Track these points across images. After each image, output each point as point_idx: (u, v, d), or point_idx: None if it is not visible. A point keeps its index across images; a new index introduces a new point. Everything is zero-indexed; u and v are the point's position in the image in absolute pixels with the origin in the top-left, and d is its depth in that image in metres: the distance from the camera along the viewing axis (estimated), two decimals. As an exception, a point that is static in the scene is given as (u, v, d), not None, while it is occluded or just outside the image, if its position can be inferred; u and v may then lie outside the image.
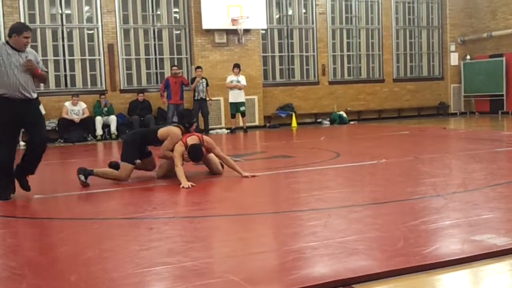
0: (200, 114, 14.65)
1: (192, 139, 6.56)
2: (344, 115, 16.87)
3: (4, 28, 13.69)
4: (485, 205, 4.53)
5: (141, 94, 14.66)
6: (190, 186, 6.02)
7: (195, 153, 6.42)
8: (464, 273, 3.00)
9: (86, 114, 13.95)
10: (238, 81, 14.68)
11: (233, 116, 14.89)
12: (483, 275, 3.01)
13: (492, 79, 17.55)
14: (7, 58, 5.56)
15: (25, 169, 6.03)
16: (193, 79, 14.55)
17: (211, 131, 14.91)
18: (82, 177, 6.37)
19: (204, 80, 14.55)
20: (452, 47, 18.74)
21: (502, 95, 17.32)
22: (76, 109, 13.90)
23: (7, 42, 5.70)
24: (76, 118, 13.78)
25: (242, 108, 14.79)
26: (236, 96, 14.67)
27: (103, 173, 6.67)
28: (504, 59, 17.25)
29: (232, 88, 14.62)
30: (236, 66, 14.73)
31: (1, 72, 5.53)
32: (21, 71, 5.59)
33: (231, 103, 14.71)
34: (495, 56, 17.67)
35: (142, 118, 14.46)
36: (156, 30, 15.46)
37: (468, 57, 18.55)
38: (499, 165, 7.06)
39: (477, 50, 18.49)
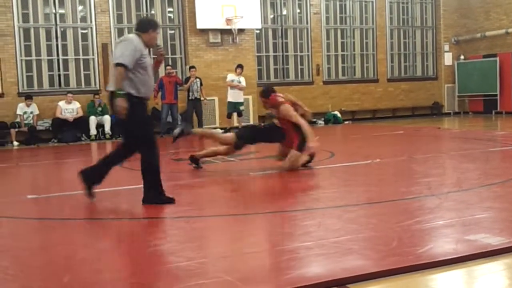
0: (194, 114, 14.66)
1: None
2: (339, 115, 16.89)
3: (-2, 28, 13.65)
4: (479, 205, 4.54)
5: None
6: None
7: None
8: (458, 273, 3.00)
9: (80, 114, 13.90)
10: (239, 82, 14.66)
11: (229, 115, 14.86)
12: (477, 274, 3.01)
13: (486, 79, 17.61)
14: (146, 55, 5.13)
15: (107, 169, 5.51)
16: (187, 79, 14.52)
17: (205, 131, 14.87)
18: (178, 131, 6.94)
19: (198, 79, 14.53)
20: (446, 47, 18.80)
21: (496, 95, 17.38)
22: (70, 108, 13.84)
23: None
24: (70, 117, 13.73)
25: (241, 108, 14.76)
26: (236, 96, 14.63)
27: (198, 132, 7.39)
28: (497, 59, 17.31)
29: (233, 87, 14.58)
30: (240, 66, 14.66)
31: (144, 70, 5.06)
32: (152, 69, 5.24)
33: (230, 102, 14.65)
34: (489, 56, 17.73)
35: None
36: (150, 29, 15.40)
37: (462, 57, 18.60)
38: (493, 165, 7.08)
39: (471, 50, 18.55)
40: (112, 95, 4.98)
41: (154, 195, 5.07)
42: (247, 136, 7.00)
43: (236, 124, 14.98)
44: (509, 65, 17.04)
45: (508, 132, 11.99)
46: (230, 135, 6.91)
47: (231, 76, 14.68)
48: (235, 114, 14.91)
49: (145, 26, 5.18)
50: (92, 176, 5.33)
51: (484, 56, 17.97)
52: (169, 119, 14.54)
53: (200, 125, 14.75)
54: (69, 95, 13.81)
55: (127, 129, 5.22)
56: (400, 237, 3.59)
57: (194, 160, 7.42)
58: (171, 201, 5.08)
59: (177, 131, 6.94)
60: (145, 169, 5.13)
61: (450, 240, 3.52)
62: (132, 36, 5.12)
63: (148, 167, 5.11)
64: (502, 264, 3.10)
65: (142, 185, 5.15)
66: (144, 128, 5.18)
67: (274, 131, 7.00)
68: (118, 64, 4.88)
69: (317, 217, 4.33)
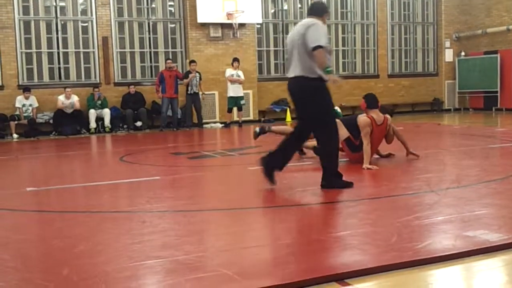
0: (193, 108, 14.67)
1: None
2: (339, 110, 16.83)
3: (-2, 20, 13.65)
4: (478, 201, 4.54)
5: (132, 87, 14.58)
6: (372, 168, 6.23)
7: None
8: (456, 269, 3.01)
9: (78, 107, 13.86)
10: (238, 75, 14.66)
11: (230, 110, 14.86)
12: (475, 270, 3.01)
13: (486, 75, 17.59)
14: None
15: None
16: (187, 73, 14.50)
17: (205, 125, 14.89)
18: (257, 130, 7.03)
19: (197, 74, 14.52)
20: (447, 44, 18.77)
21: (496, 92, 17.36)
22: (68, 102, 13.82)
23: None
24: (68, 109, 13.71)
25: (242, 102, 14.77)
26: (237, 90, 14.65)
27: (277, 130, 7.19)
28: (498, 55, 17.28)
29: (233, 82, 14.58)
30: (236, 60, 14.69)
31: (329, 55, 5.21)
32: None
33: (231, 97, 14.66)
34: (490, 53, 17.70)
35: (135, 112, 14.43)
36: (151, 23, 15.39)
37: (463, 53, 18.58)
38: (493, 162, 7.09)
39: (472, 47, 18.53)
40: (300, 80, 5.12)
41: (334, 180, 5.21)
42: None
43: (236, 118, 14.97)
44: (510, 62, 17.02)
45: (508, 128, 11.99)
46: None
47: (229, 71, 14.68)
48: (235, 109, 14.91)
49: (321, 11, 5.35)
50: (271, 162, 5.42)
51: (485, 53, 17.94)
52: (169, 113, 14.54)
53: (199, 119, 14.75)
54: (68, 90, 13.79)
55: (313, 112, 5.21)
56: (399, 232, 3.59)
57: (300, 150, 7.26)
58: (350, 185, 5.20)
59: (258, 129, 7.39)
60: (324, 154, 5.28)
61: (449, 236, 3.52)
62: (317, 21, 5.18)
63: (328, 152, 5.25)
64: (501, 261, 3.11)
65: (138, 180, 5.15)
66: (328, 113, 5.28)
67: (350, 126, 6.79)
68: (317, 47, 4.94)
69: (316, 212, 4.33)
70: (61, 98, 13.78)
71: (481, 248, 3.23)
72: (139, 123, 14.52)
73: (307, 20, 5.22)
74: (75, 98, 13.90)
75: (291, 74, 5.24)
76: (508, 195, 4.63)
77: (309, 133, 5.44)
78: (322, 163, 5.29)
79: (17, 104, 13.50)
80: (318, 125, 5.23)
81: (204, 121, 15.02)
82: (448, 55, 18.77)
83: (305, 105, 5.20)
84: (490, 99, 17.68)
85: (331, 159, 5.23)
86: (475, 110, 18.27)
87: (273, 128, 6.91)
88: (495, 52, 17.49)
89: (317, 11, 5.33)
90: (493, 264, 3.06)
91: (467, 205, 4.44)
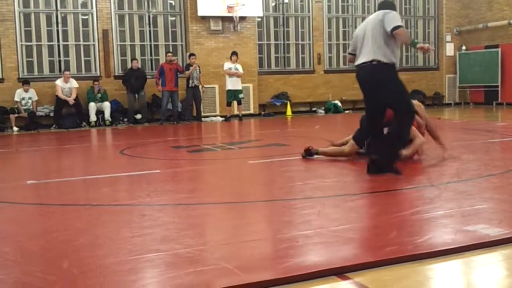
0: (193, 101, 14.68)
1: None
2: (339, 104, 16.86)
3: (-2, 12, 13.64)
4: (479, 196, 4.54)
5: (135, 61, 14.51)
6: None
7: None
8: (456, 263, 3.01)
9: (74, 95, 13.81)
10: (237, 69, 14.64)
11: (229, 104, 14.85)
12: (475, 265, 3.02)
13: (487, 70, 17.56)
14: None
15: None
16: (188, 66, 14.49)
17: (205, 119, 14.88)
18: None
19: (197, 67, 14.49)
20: (448, 38, 18.73)
21: (497, 86, 17.34)
22: (67, 87, 13.76)
23: None
24: (70, 99, 13.67)
25: (240, 96, 14.76)
26: (235, 84, 14.64)
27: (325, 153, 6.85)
28: (499, 50, 17.24)
29: (231, 75, 14.57)
30: (234, 53, 14.68)
31: (398, 47, 5.57)
32: None
33: (229, 90, 14.65)
34: (491, 47, 17.67)
35: (136, 96, 14.32)
36: (151, 16, 15.36)
37: (464, 47, 18.54)
38: (493, 156, 7.08)
39: (473, 41, 18.49)
40: (380, 66, 5.35)
41: (392, 165, 5.33)
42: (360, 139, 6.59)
43: (236, 112, 14.97)
44: (511, 56, 16.99)
45: (509, 123, 11.98)
46: (351, 144, 6.61)
47: (227, 64, 14.67)
48: (235, 102, 14.90)
49: (392, 6, 5.67)
50: (389, 156, 5.45)
51: (486, 47, 17.91)
52: (169, 106, 14.53)
53: (198, 112, 14.75)
54: (67, 73, 13.76)
55: (393, 97, 5.38)
56: (399, 226, 3.60)
57: (309, 153, 6.88)
58: (401, 173, 5.34)
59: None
60: (397, 136, 5.38)
61: (449, 230, 3.52)
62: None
63: (401, 135, 5.40)
64: (500, 255, 3.11)
65: (139, 173, 5.14)
66: (408, 99, 5.46)
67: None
68: (398, 26, 5.27)
69: (316, 205, 4.33)
70: (59, 82, 13.72)
71: (481, 243, 3.23)
72: (138, 116, 14.50)
73: (386, 10, 5.45)
74: (74, 84, 13.83)
75: (364, 59, 5.42)
76: (508, 190, 4.63)
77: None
78: (392, 145, 5.42)
79: (16, 98, 13.48)
80: (399, 110, 5.35)
81: (204, 114, 15.01)
82: (449, 49, 18.73)
83: (386, 89, 5.33)
84: (490, 94, 17.65)
85: (401, 144, 5.46)
86: (476, 104, 18.25)
87: (320, 150, 6.82)
88: (496, 46, 17.45)
89: (389, 5, 5.63)
90: (493, 259, 3.06)
91: (467, 199, 4.44)
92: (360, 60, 5.50)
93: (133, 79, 14.27)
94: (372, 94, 5.46)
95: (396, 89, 5.38)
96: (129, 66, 14.92)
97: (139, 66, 14.68)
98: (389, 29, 5.28)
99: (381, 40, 5.35)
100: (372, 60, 5.36)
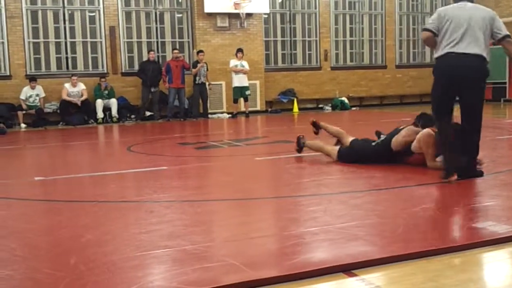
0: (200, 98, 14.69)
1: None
2: (346, 101, 16.83)
3: (5, 10, 13.69)
4: (486, 193, 4.52)
5: (152, 52, 14.50)
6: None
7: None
8: (464, 260, 3.00)
9: (85, 96, 13.88)
10: (243, 66, 14.63)
11: (235, 101, 14.86)
12: (483, 262, 3.01)
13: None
14: None
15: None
16: (195, 63, 14.49)
17: (212, 115, 14.89)
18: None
19: (204, 64, 14.50)
20: (455, 34, 18.60)
21: (505, 83, 17.25)
22: (75, 90, 13.84)
23: None
24: (77, 100, 13.72)
25: (247, 92, 14.76)
26: (241, 81, 14.64)
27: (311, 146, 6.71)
28: (507, 46, 17.12)
29: (237, 72, 14.57)
30: (240, 50, 14.67)
31: None
32: None
33: (236, 87, 14.66)
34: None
35: (152, 90, 14.28)
36: (158, 13, 15.37)
37: (471, 44, 18.42)
38: (501, 153, 7.05)
39: (481, 37, 18.36)
40: (481, 60, 5.08)
41: (474, 168, 5.15)
42: (349, 159, 6.14)
43: (243, 109, 14.97)
44: (519, 52, 16.88)
45: (517, 120, 11.91)
46: (334, 152, 6.29)
47: (233, 62, 14.67)
48: (241, 99, 14.90)
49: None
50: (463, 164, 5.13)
51: (494, 44, 17.76)
52: (176, 103, 14.54)
53: (205, 109, 14.76)
54: (74, 77, 13.83)
55: (480, 97, 5.24)
56: (406, 223, 3.59)
57: (300, 145, 6.87)
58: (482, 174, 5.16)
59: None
60: (479, 139, 5.20)
61: (457, 227, 3.51)
62: None
63: (480, 137, 5.22)
64: (508, 253, 3.10)
65: (145, 170, 5.13)
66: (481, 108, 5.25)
67: (382, 155, 6.01)
68: (508, 36, 5.23)
69: (323, 202, 4.32)
70: (67, 86, 13.80)
71: (489, 240, 3.22)
72: (148, 113, 14.52)
73: (486, 9, 5.25)
74: (82, 87, 13.92)
75: (468, 49, 5.02)
76: (516, 187, 4.61)
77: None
78: (473, 149, 5.18)
79: (21, 96, 13.52)
80: (479, 112, 5.20)
81: (210, 111, 15.01)
82: (456, 45, 18.62)
83: (479, 87, 5.13)
84: (498, 90, 17.55)
85: (477, 150, 5.20)
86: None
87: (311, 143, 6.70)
88: (504, 42, 17.32)
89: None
90: (501, 256, 3.05)
91: (475, 196, 4.43)
92: (459, 48, 5.00)
93: (150, 71, 14.22)
94: (461, 87, 5.12)
95: (481, 94, 5.19)
96: (135, 64, 14.95)
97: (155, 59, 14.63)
98: (501, 35, 5.14)
99: (487, 40, 5.12)
100: (479, 55, 5.01)
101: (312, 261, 2.95)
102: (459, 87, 5.09)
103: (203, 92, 14.63)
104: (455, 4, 5.18)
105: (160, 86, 14.63)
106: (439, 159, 5.48)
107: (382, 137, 6.23)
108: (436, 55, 5.24)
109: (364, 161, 5.96)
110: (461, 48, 4.99)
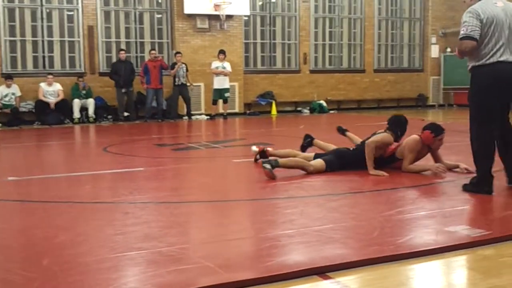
0: (182, 100, 14.61)
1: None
2: (324, 104, 16.90)
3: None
4: (460, 197, 4.57)
5: (123, 52, 14.33)
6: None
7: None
8: (436, 263, 3.03)
9: (61, 96, 13.70)
10: (224, 67, 14.60)
11: (214, 102, 14.82)
12: (455, 265, 3.04)
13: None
14: None
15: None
16: (173, 64, 14.43)
17: (185, 117, 14.79)
18: (268, 166, 5.55)
19: (183, 65, 14.45)
20: (433, 40, 18.85)
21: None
22: (51, 90, 13.65)
23: None
24: (52, 100, 13.52)
25: (226, 94, 14.73)
26: (222, 82, 14.60)
27: (287, 164, 5.86)
28: (483, 52, 17.38)
29: (218, 74, 14.53)
30: (222, 52, 14.64)
31: None
32: None
33: (216, 89, 14.61)
34: (475, 50, 17.79)
35: (124, 91, 14.14)
36: (137, 13, 15.27)
37: (449, 49, 18.68)
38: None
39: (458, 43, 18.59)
40: None
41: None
42: (336, 167, 5.90)
43: (221, 111, 14.94)
44: (495, 59, 17.13)
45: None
46: (320, 164, 5.85)
47: (215, 63, 14.64)
48: (220, 101, 14.87)
49: None
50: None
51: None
52: (154, 104, 14.45)
53: (188, 111, 14.70)
54: (49, 77, 13.63)
55: None
56: (382, 227, 3.61)
57: (264, 155, 6.44)
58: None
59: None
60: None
61: (431, 231, 3.55)
62: None
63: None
64: (480, 256, 3.14)
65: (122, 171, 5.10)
66: None
67: (361, 159, 5.88)
68: None
69: (299, 205, 4.34)
70: (43, 85, 13.59)
71: (462, 243, 3.26)
72: (126, 114, 14.40)
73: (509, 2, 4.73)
74: (58, 87, 13.72)
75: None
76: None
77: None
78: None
79: None
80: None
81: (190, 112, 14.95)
82: (434, 51, 18.87)
83: None
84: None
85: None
86: (459, 106, 18.37)
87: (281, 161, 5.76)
88: (480, 49, 17.58)
89: None
90: (474, 259, 3.09)
91: (449, 200, 4.48)
92: (507, 55, 4.55)
93: (122, 70, 14.07)
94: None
95: None
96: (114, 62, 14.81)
97: (126, 57, 14.45)
98: None
99: None
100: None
101: (287, 263, 2.95)
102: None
103: (183, 93, 14.56)
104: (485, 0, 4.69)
105: (138, 86, 14.51)
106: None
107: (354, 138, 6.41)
108: (478, 63, 4.65)
109: (346, 166, 5.94)
110: (508, 54, 4.57)
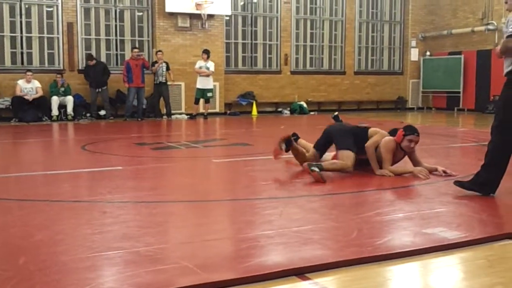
0: (162, 98, 14.56)
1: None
2: (305, 105, 16.96)
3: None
4: (438, 199, 4.62)
5: (91, 61, 14.17)
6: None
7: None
8: (414, 265, 3.05)
9: (40, 94, 13.54)
10: (207, 67, 14.56)
11: (197, 101, 14.76)
12: (433, 267, 3.07)
13: (450, 76, 17.92)
14: None
15: None
16: (154, 63, 14.36)
17: (166, 116, 14.73)
18: (317, 169, 5.41)
19: (164, 64, 14.39)
20: (413, 43, 19.04)
21: (459, 92, 17.71)
22: (29, 87, 13.47)
23: None
24: (29, 96, 13.34)
25: (209, 94, 14.69)
26: (205, 82, 14.55)
27: (329, 168, 5.75)
28: (462, 56, 17.61)
29: (201, 74, 14.49)
30: (205, 52, 14.59)
31: None
32: None
33: (199, 89, 14.56)
34: (454, 54, 18.03)
35: (98, 90, 14.05)
36: (118, 10, 15.16)
37: (428, 53, 18.87)
38: (453, 161, 7.22)
39: (437, 47, 18.83)
40: None
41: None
42: (349, 143, 5.98)
43: (202, 110, 14.90)
44: (473, 63, 17.38)
45: (469, 128, 12.24)
46: (352, 157, 5.80)
47: (199, 63, 14.59)
48: (202, 101, 14.83)
49: None
50: None
51: (450, 53, 18.27)
52: (135, 103, 14.36)
53: (168, 109, 14.63)
54: (28, 73, 13.46)
55: None
56: (360, 228, 3.63)
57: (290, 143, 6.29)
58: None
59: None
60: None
61: (408, 232, 3.58)
62: None
63: None
64: (458, 258, 3.17)
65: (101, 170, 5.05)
66: None
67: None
68: None
69: (279, 206, 4.34)
70: (21, 82, 13.41)
71: (439, 245, 3.29)
72: (102, 112, 14.29)
73: None
74: (36, 84, 13.56)
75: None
76: (467, 194, 4.73)
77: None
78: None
79: None
80: None
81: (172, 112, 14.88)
82: (414, 54, 19.05)
83: None
84: (452, 99, 18.02)
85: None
86: (438, 109, 18.59)
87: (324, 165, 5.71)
88: (459, 53, 17.82)
89: None
90: (451, 261, 3.12)
91: (426, 202, 4.52)
92: None
93: (92, 72, 14.01)
94: None
95: None
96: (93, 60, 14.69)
97: (96, 61, 14.28)
98: None
99: None
100: None
101: (266, 264, 2.95)
102: None
103: (163, 92, 14.50)
104: None
105: (119, 84, 14.40)
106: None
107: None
108: None
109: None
110: None
